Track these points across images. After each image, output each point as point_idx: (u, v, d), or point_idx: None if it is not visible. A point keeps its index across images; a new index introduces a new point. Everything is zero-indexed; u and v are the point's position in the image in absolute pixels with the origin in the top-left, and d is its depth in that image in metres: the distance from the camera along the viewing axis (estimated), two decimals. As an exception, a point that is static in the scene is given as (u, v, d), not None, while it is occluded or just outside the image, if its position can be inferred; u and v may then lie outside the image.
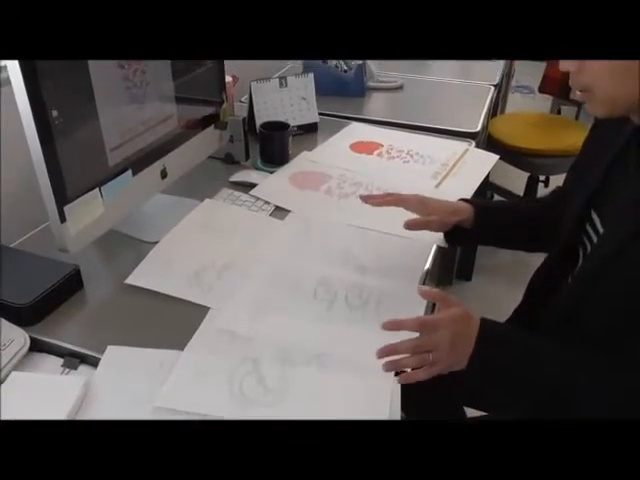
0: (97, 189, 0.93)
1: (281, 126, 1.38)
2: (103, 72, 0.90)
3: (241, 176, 1.31)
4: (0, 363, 0.77)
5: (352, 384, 0.80)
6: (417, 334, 0.77)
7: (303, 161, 1.41)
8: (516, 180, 2.55)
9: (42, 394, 0.76)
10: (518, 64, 3.39)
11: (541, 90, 2.71)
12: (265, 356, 0.83)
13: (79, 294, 0.95)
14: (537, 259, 0.99)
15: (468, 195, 1.27)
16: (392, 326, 0.77)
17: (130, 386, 0.78)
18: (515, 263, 2.37)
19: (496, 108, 2.88)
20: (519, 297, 1.01)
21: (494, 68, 2.15)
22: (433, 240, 1.09)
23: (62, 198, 0.86)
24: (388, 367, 0.78)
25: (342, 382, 0.80)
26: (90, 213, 0.92)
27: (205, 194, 1.22)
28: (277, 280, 0.99)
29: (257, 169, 1.37)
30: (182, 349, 0.83)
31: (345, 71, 1.81)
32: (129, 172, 1.00)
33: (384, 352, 0.77)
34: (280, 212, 1.20)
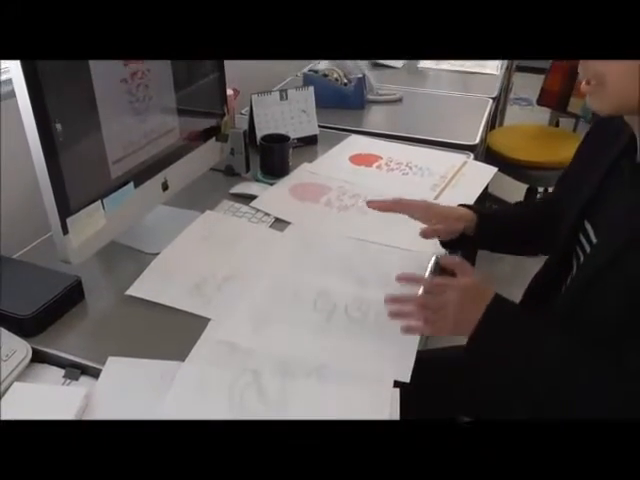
0: (99, 201, 0.94)
1: (281, 138, 1.39)
2: (106, 86, 0.91)
3: (241, 188, 1.32)
4: (1, 374, 0.77)
5: (351, 396, 0.80)
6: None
7: (303, 173, 1.42)
8: (515, 192, 2.57)
9: (44, 405, 0.76)
10: (516, 77, 3.42)
11: (539, 103, 2.73)
12: (265, 368, 0.83)
13: (80, 305, 0.96)
14: (535, 267, 1.00)
15: (467, 207, 1.28)
16: (405, 279, 0.81)
17: (131, 397, 0.78)
18: (513, 272, 2.38)
19: (495, 120, 2.91)
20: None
21: (492, 81, 2.16)
22: (432, 251, 1.10)
23: (65, 210, 0.87)
24: (392, 315, 0.82)
25: (341, 394, 0.80)
26: (92, 225, 0.93)
27: (206, 206, 1.23)
28: (277, 291, 1.00)
29: (257, 181, 1.38)
30: (183, 360, 0.84)
31: (345, 84, 1.82)
32: (131, 184, 1.01)
33: (392, 300, 0.82)
34: (280, 224, 1.20)
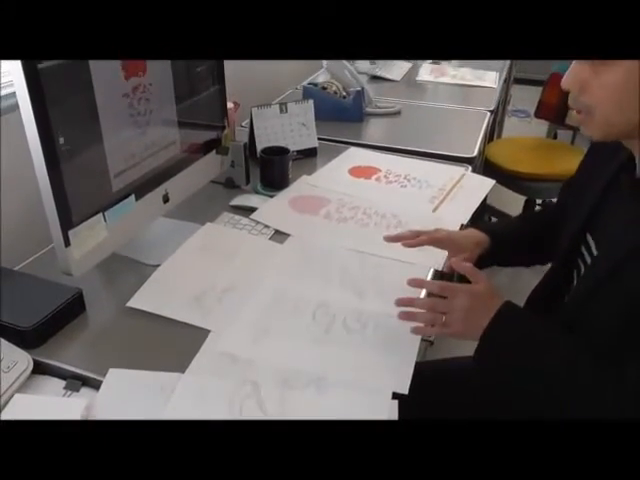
0: (101, 214, 0.95)
1: (281, 151, 1.40)
2: (108, 100, 0.92)
3: (241, 200, 1.33)
4: (1, 386, 0.78)
5: (349, 407, 0.80)
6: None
7: (303, 185, 1.43)
8: (513, 203, 2.58)
9: (45, 416, 0.76)
10: (515, 89, 3.45)
11: (537, 115, 2.74)
12: (265, 379, 0.84)
13: (81, 317, 0.96)
14: (533, 278, 1.01)
15: (465, 219, 1.29)
16: (415, 283, 0.83)
17: (131, 408, 0.79)
18: (511, 283, 2.39)
19: (493, 133, 2.92)
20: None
21: (491, 94, 2.18)
22: (431, 264, 1.11)
23: (67, 223, 0.88)
24: (402, 316, 0.84)
25: (340, 405, 0.81)
26: (94, 237, 0.94)
27: (206, 218, 1.24)
28: (277, 303, 1.00)
29: (257, 193, 1.39)
30: (183, 372, 0.84)
31: (344, 97, 1.84)
32: (132, 197, 1.02)
33: (402, 302, 0.84)
34: (280, 236, 1.21)
